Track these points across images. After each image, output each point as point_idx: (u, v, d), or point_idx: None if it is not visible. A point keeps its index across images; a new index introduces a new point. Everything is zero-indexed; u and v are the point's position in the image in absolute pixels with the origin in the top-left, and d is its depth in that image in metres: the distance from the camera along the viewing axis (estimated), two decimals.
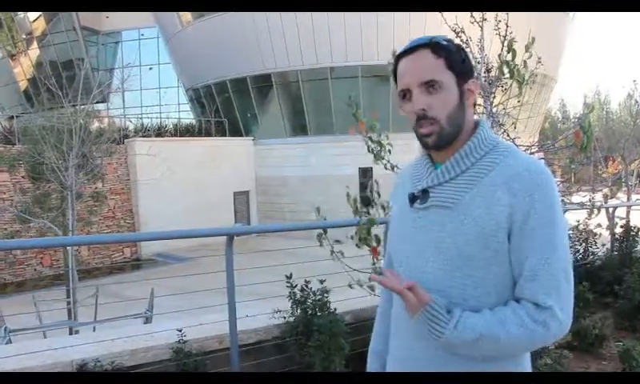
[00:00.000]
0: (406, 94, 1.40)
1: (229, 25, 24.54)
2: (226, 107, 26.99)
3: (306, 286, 3.90)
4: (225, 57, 25.42)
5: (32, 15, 37.96)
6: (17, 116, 22.36)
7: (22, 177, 14.79)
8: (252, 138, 26.18)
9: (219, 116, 26.97)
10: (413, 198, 1.46)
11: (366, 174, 21.41)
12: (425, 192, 1.43)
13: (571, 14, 28.79)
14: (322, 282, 3.98)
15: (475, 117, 1.46)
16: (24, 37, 39.00)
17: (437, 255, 1.38)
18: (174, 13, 27.12)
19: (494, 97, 4.42)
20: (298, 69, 24.05)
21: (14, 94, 39.15)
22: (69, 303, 9.43)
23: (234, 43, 24.72)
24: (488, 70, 4.53)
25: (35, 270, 18.75)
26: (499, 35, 4.42)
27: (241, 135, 26.43)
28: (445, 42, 1.39)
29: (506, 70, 4.04)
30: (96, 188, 16.79)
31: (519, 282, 1.33)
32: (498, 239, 1.31)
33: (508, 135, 4.32)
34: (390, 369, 1.54)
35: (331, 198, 21.30)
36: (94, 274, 18.41)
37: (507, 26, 4.34)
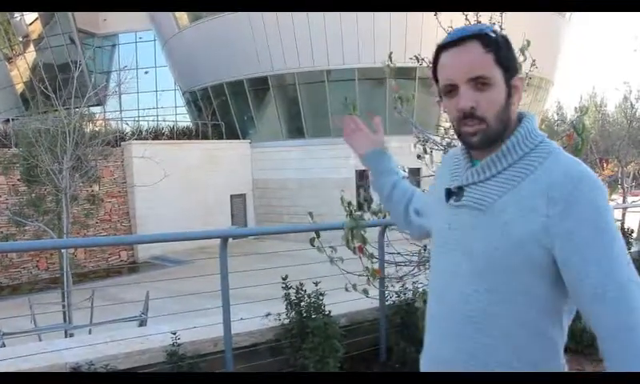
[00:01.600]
0: (451, 90, 1.31)
1: (225, 27, 24.55)
2: (222, 110, 27.00)
3: (301, 288, 3.91)
4: (221, 59, 25.43)
5: (29, 18, 37.92)
6: (13, 119, 22.32)
7: (18, 180, 14.76)
8: (249, 140, 26.19)
9: (216, 119, 26.97)
10: (449, 194, 1.39)
11: (362, 176, 21.41)
12: (460, 189, 1.36)
13: (567, 15, 28.87)
14: (316, 283, 3.98)
15: (520, 110, 1.36)
16: (20, 40, 38.95)
17: (466, 258, 1.31)
18: (171, 15, 27.12)
19: None
20: (294, 71, 24.07)
21: (10, 97, 39.11)
22: (64, 306, 9.41)
23: (230, 46, 24.73)
24: None
25: (31, 273, 18.70)
26: None
27: (238, 138, 26.43)
28: (494, 34, 1.28)
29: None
30: (92, 191, 16.77)
31: (584, 306, 1.21)
32: (528, 250, 1.22)
33: None
34: (423, 367, 1.47)
35: (328, 201, 21.29)
36: (91, 276, 18.36)
37: (501, 28, 4.35)
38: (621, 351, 1.16)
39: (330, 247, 3.75)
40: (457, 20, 4.68)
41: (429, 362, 1.44)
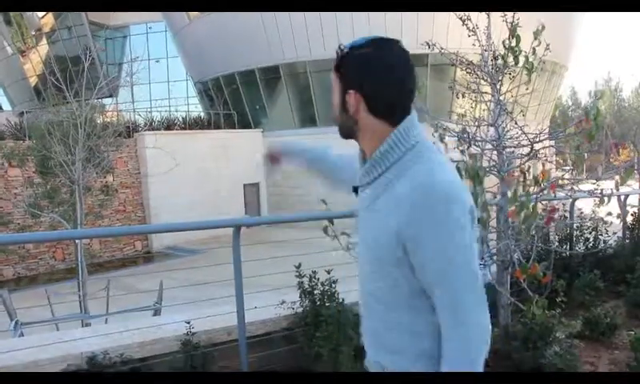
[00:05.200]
0: None
1: (236, 17, 24.47)
2: (234, 99, 26.98)
3: (314, 276, 3.90)
4: (233, 49, 25.38)
5: (41, 11, 38.05)
6: (27, 112, 22.49)
7: (33, 172, 14.90)
8: (261, 129, 26.16)
9: (228, 108, 26.97)
10: (355, 191, 1.59)
11: None
12: (355, 189, 1.58)
13: None
14: (329, 271, 3.97)
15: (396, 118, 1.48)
16: (33, 33, 39.14)
17: (364, 247, 1.52)
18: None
19: (502, 85, 4.38)
20: (305, 60, 23.97)
21: (24, 90, 39.38)
22: (80, 296, 9.50)
23: (241, 35, 24.67)
24: (495, 58, 4.48)
25: (48, 264, 18.90)
26: (506, 22, 4.37)
27: (250, 127, 26.42)
28: (345, 49, 1.51)
29: (510, 57, 3.99)
30: (106, 182, 16.87)
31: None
32: (391, 243, 1.39)
33: (516, 123, 4.26)
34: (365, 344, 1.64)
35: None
36: (106, 266, 18.52)
37: (514, 13, 4.28)
38: (449, 348, 1.39)
39: (344, 234, 3.73)
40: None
41: (367, 346, 1.62)
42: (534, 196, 3.60)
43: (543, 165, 3.82)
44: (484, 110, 4.66)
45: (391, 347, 1.51)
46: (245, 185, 24.83)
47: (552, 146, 5.23)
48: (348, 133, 1.53)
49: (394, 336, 1.49)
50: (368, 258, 1.50)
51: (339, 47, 1.53)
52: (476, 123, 4.58)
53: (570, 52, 29.81)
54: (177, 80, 37.00)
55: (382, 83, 1.45)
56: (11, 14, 38.20)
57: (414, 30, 20.14)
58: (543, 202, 4.12)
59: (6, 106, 42.01)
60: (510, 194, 3.99)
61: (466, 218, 1.37)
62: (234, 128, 26.06)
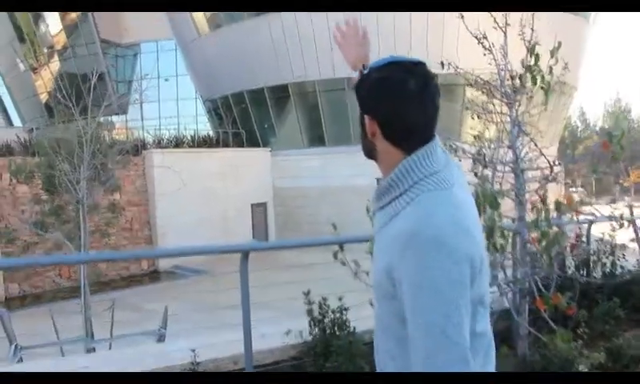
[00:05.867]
0: None
1: (245, 36, 24.58)
2: (243, 118, 26.99)
3: (324, 303, 3.75)
4: (242, 68, 25.44)
5: (54, 29, 38.46)
6: (36, 128, 22.56)
7: (41, 188, 14.88)
8: (269, 149, 26.12)
9: (237, 127, 26.97)
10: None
11: None
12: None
13: (591, 18, 28.39)
14: (340, 298, 3.82)
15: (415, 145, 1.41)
16: (45, 50, 39.52)
17: (373, 275, 1.49)
18: (192, 24, 27.23)
19: (519, 105, 4.24)
20: (314, 79, 23.98)
21: (35, 106, 39.67)
22: (85, 319, 9.35)
23: (250, 54, 24.74)
24: (512, 77, 4.35)
25: (54, 282, 18.79)
26: (524, 40, 4.25)
27: (258, 146, 26.38)
28: (365, 70, 1.49)
29: (528, 76, 3.87)
30: (113, 199, 16.81)
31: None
32: (384, 278, 1.36)
33: (536, 145, 4.12)
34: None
35: (349, 209, 21.11)
36: (112, 285, 18.38)
37: (532, 30, 4.16)
38: None
39: (354, 262, 3.58)
40: (483, 22, 4.54)
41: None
42: (556, 221, 3.45)
43: (566, 189, 3.67)
44: (501, 131, 4.52)
45: (385, 369, 1.48)
46: (252, 204, 24.72)
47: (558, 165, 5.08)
48: (369, 154, 1.50)
49: (387, 360, 1.46)
50: (374, 280, 1.48)
51: (362, 66, 1.51)
52: (492, 145, 4.45)
53: (578, 72, 29.70)
54: (186, 98, 37.14)
55: (398, 110, 1.39)
56: (25, 31, 38.66)
57: (422, 48, 20.13)
58: (562, 227, 3.97)
59: (17, 122, 42.34)
60: (528, 218, 3.85)
61: (456, 268, 1.26)
62: (243, 147, 26.03)
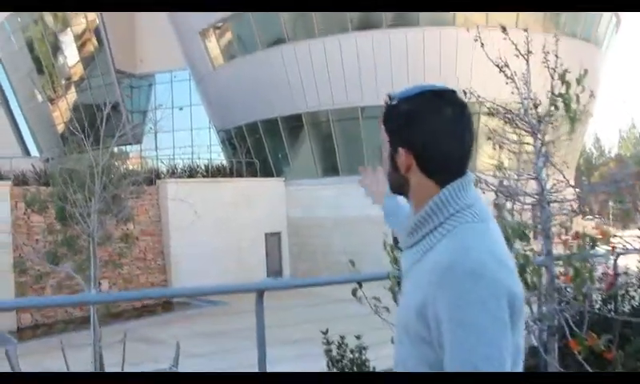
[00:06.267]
0: None
1: (259, 66, 24.76)
2: (257, 148, 27.04)
3: (343, 343, 3.57)
4: (255, 98, 25.58)
5: (71, 61, 39.12)
6: (51, 158, 22.76)
7: (55, 218, 14.92)
8: (283, 178, 26.09)
9: (250, 157, 27.02)
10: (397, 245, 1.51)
11: None
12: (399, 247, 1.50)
13: (603, 46, 28.31)
14: (358, 337, 3.64)
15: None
16: (63, 81, 40.15)
17: (398, 316, 1.41)
18: (206, 57, 27.51)
19: (545, 134, 4.09)
20: (328, 109, 24.01)
21: (52, 136, 40.18)
22: (95, 352, 9.20)
23: (264, 85, 24.88)
24: (536, 106, 4.21)
25: (66, 311, 18.67)
26: (548, 67, 4.12)
27: (272, 176, 26.37)
28: (394, 101, 1.40)
29: (560, 104, 3.73)
30: (127, 229, 16.77)
31: None
32: (417, 319, 1.28)
33: (564, 176, 3.96)
34: None
35: (363, 239, 20.96)
36: (125, 316, 18.23)
37: (557, 57, 4.04)
38: None
39: (375, 298, 3.41)
40: (504, 50, 4.42)
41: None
42: (587, 255, 3.27)
43: (599, 223, 3.51)
44: (525, 162, 4.38)
45: None
46: (266, 234, 24.59)
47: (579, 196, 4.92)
48: (399, 189, 1.43)
49: None
50: (400, 320, 1.39)
51: (388, 97, 1.43)
52: (514, 175, 4.30)
53: (593, 98, 29.51)
54: (200, 128, 37.38)
55: (435, 140, 1.32)
56: (44, 63, 39.38)
57: (436, 77, 20.09)
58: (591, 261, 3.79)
59: (35, 152, 42.90)
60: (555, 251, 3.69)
61: (496, 303, 1.18)
62: (256, 176, 26.02)
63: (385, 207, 1.98)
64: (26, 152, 43.58)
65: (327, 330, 3.52)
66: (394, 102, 1.39)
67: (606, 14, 26.97)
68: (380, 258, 3.64)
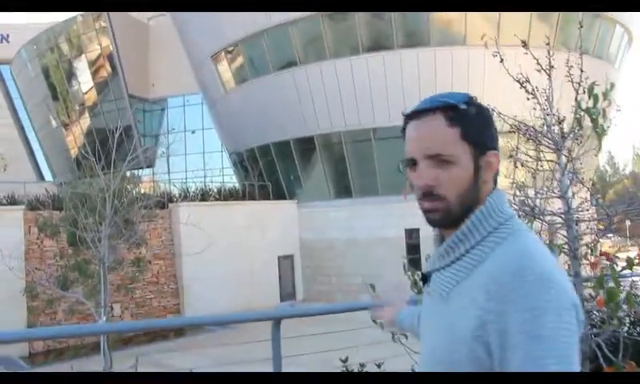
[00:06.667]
0: (412, 164, 1.25)
1: (271, 89, 24.83)
2: (269, 170, 27.02)
3: (362, 371, 3.39)
4: (267, 120, 25.64)
5: (85, 87, 39.58)
6: (64, 183, 22.87)
7: (66, 243, 14.90)
8: (296, 201, 25.99)
9: (263, 179, 26.98)
10: (424, 278, 1.34)
11: (411, 235, 20.80)
12: (425, 275, 1.33)
13: (617, 63, 28.15)
14: (379, 365, 3.47)
15: (493, 187, 1.27)
16: (77, 107, 40.61)
17: (431, 349, 1.25)
18: (218, 82, 27.67)
19: (571, 151, 3.94)
20: (340, 130, 23.97)
21: (65, 161, 40.55)
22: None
23: (276, 106, 24.93)
24: (560, 122, 4.07)
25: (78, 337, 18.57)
26: (572, 82, 3.98)
27: (284, 198, 26.28)
28: (463, 105, 1.20)
29: (587, 120, 3.58)
30: (139, 253, 16.70)
31: None
32: (470, 346, 1.12)
33: (592, 194, 3.80)
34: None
35: (377, 261, 20.75)
36: (135, 341, 18.06)
37: (582, 71, 3.90)
38: None
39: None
40: (525, 66, 4.29)
41: None
42: (621, 275, 3.09)
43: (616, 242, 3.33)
44: (546, 180, 4.23)
45: None
46: (279, 257, 24.44)
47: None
48: (463, 215, 1.23)
49: None
50: (437, 359, 1.21)
51: (457, 105, 1.23)
52: (539, 194, 4.14)
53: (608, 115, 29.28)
54: (212, 151, 37.51)
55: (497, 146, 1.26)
56: (58, 89, 39.90)
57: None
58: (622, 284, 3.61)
59: (49, 177, 43.31)
60: (584, 274, 3.52)
61: (567, 313, 1.06)
62: (269, 199, 25.94)
63: (399, 321, 1.86)
64: (41, 177, 44.03)
65: (347, 358, 3.35)
66: (463, 106, 1.22)
67: (618, 32, 26.86)
68: (394, 281, 3.49)
